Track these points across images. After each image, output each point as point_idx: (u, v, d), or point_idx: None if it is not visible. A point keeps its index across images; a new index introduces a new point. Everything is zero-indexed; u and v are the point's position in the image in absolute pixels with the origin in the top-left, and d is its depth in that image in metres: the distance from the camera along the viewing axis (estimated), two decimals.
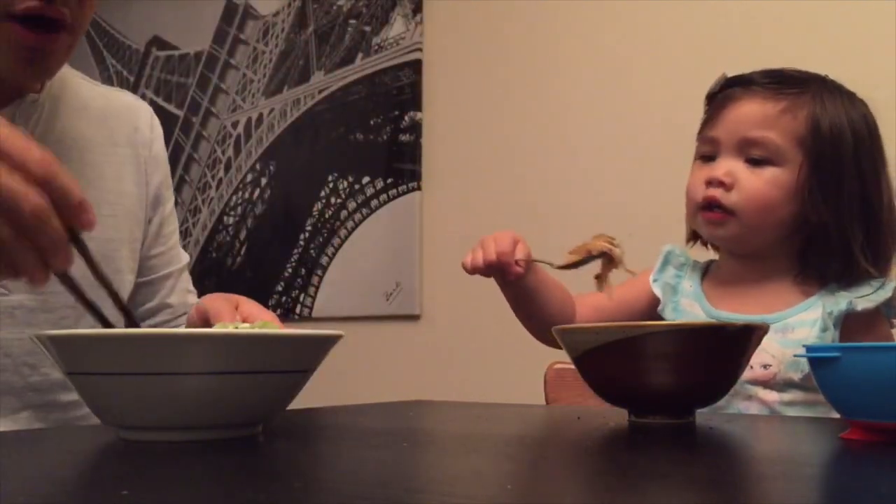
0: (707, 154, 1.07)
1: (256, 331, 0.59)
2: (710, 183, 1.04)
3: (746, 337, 0.71)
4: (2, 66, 0.83)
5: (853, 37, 1.62)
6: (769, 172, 1.02)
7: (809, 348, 0.60)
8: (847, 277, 1.03)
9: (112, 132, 1.01)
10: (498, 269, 1.00)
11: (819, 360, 0.59)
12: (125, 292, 1.00)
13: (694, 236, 1.14)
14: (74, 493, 0.42)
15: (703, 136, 1.08)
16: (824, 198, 1.02)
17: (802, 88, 1.04)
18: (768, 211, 1.03)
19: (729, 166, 1.03)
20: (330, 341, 0.62)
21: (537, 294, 1.07)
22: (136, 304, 1.05)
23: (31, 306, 0.88)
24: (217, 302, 0.89)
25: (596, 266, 0.94)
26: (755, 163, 1.03)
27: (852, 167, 1.03)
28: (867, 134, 1.04)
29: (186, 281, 1.11)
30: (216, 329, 0.62)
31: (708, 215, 1.04)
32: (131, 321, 0.71)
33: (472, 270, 1.01)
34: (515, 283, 1.05)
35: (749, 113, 1.03)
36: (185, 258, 1.12)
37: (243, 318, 0.84)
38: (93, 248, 0.94)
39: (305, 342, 0.61)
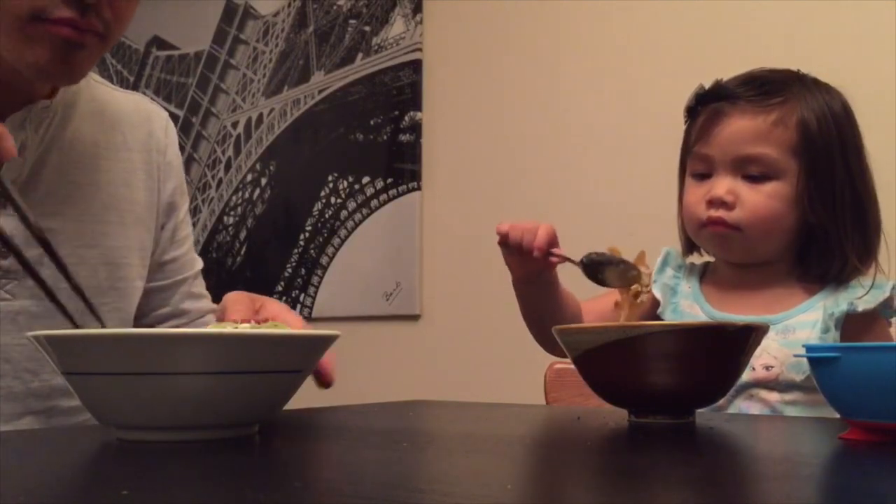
0: (701, 172, 1.07)
1: (252, 331, 0.59)
2: (711, 203, 1.04)
3: (746, 337, 0.71)
4: (37, 63, 0.81)
5: (853, 37, 1.62)
6: (770, 187, 1.03)
7: (809, 348, 0.60)
8: (842, 276, 1.04)
9: (126, 137, 1.00)
10: (527, 252, 0.98)
11: (819, 360, 0.59)
12: (134, 299, 0.99)
13: (690, 248, 1.14)
14: (74, 493, 0.42)
15: (695, 153, 1.07)
16: (822, 200, 1.03)
17: (786, 94, 1.04)
18: (773, 223, 1.03)
19: (728, 185, 1.03)
20: (326, 341, 0.62)
21: (551, 297, 1.07)
22: (150, 309, 1.04)
23: (34, 312, 0.87)
24: (240, 300, 0.86)
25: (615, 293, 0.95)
26: (753, 179, 1.03)
27: (840, 160, 1.03)
28: (848, 124, 1.05)
29: (200, 286, 1.10)
30: (212, 329, 0.62)
31: (714, 228, 1.04)
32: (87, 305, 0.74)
33: (507, 238, 0.99)
34: (535, 282, 1.04)
35: (741, 130, 1.03)
36: (199, 263, 1.10)
37: (266, 318, 0.83)
38: (98, 255, 0.94)
39: (301, 342, 0.61)
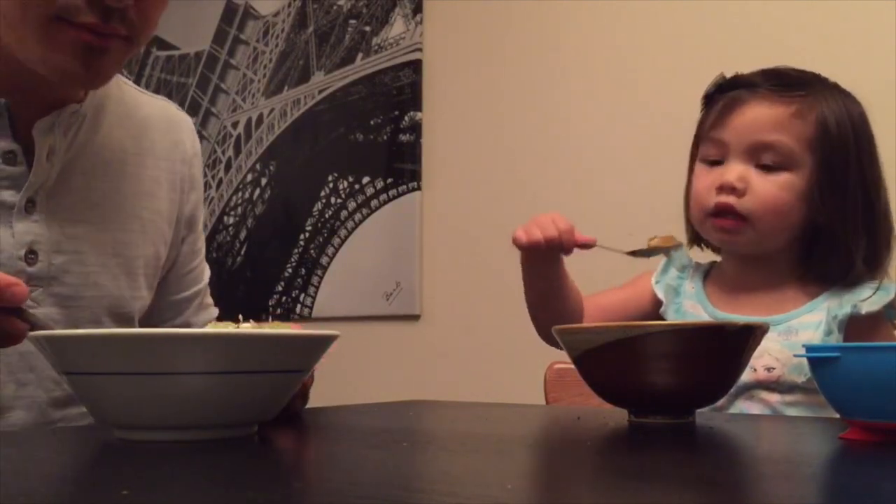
0: (713, 158, 1.05)
1: (252, 331, 0.59)
2: (721, 189, 1.02)
3: (746, 337, 0.71)
4: (59, 66, 0.79)
5: (853, 37, 1.62)
6: (782, 177, 1.01)
7: (809, 348, 0.60)
8: (845, 280, 1.03)
9: (153, 144, 0.98)
10: (556, 246, 1.01)
11: (819, 360, 0.59)
12: (141, 311, 0.97)
13: (696, 239, 1.13)
14: (74, 493, 0.42)
15: (709, 139, 1.06)
16: (832, 199, 1.01)
17: (807, 90, 1.03)
18: (782, 216, 1.02)
19: (740, 171, 1.02)
20: (326, 341, 0.62)
21: (562, 286, 1.08)
22: (162, 320, 1.02)
23: (56, 319, 0.86)
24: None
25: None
26: (766, 168, 1.02)
27: (856, 165, 1.02)
28: (865, 131, 1.04)
29: (208, 296, 1.09)
30: (213, 329, 0.62)
31: (721, 222, 1.03)
32: None
33: (529, 245, 1.01)
34: (550, 270, 1.05)
35: (760, 117, 1.02)
36: (208, 274, 1.09)
37: None
38: (119, 265, 0.92)
39: (302, 342, 0.61)
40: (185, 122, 1.05)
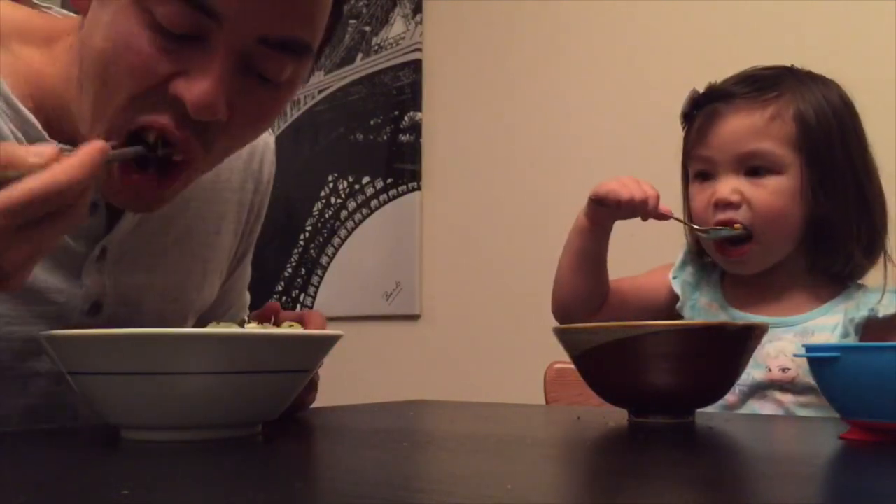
0: (703, 171, 1.07)
1: (255, 331, 0.59)
2: (717, 206, 1.03)
3: (746, 337, 0.71)
4: (104, 194, 0.71)
5: (853, 36, 1.62)
6: (773, 183, 1.02)
7: (809, 348, 0.60)
8: (845, 271, 1.03)
9: (231, 175, 0.89)
10: (640, 208, 1.02)
11: (819, 360, 0.59)
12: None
13: (699, 253, 1.13)
14: (74, 493, 0.42)
15: (695, 156, 1.07)
16: (826, 192, 1.02)
17: (780, 89, 1.03)
18: (782, 220, 1.02)
19: (732, 184, 1.03)
20: (330, 341, 0.62)
21: (604, 256, 1.10)
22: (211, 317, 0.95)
23: None
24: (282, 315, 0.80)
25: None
26: (756, 175, 1.02)
27: (842, 151, 1.03)
28: (848, 113, 1.05)
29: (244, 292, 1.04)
30: (216, 329, 0.62)
31: (731, 255, 1.04)
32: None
33: (620, 201, 1.01)
34: (604, 235, 1.08)
35: (738, 128, 1.03)
36: (247, 280, 1.03)
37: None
38: (176, 309, 0.85)
39: (305, 342, 0.61)
40: (268, 148, 0.94)
